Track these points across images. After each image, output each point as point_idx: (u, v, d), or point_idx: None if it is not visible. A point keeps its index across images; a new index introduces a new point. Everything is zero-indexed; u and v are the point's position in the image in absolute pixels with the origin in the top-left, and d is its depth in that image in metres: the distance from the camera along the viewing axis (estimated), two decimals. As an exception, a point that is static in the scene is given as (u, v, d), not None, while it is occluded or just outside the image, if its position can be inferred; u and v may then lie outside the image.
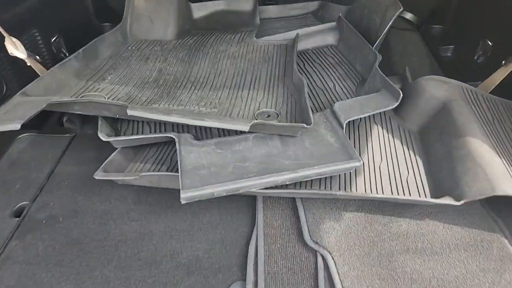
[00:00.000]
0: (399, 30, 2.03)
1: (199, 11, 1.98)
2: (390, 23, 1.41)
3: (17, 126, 0.93)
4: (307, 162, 0.99)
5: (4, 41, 1.23)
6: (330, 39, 1.73)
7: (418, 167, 1.07)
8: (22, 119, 0.95)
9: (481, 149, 0.93)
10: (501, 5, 1.55)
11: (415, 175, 1.04)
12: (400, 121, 1.26)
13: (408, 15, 2.15)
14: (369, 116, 1.23)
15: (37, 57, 1.34)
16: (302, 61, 1.61)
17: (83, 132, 1.34)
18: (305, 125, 1.02)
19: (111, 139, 1.07)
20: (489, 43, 1.59)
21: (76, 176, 1.15)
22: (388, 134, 1.20)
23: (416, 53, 1.88)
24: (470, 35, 1.77)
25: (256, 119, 1.19)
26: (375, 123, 1.25)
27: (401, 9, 1.41)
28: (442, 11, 2.11)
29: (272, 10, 2.11)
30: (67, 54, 1.73)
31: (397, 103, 1.11)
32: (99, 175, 1.02)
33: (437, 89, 1.17)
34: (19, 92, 1.13)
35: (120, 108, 1.05)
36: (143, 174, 1.01)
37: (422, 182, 1.02)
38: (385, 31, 1.44)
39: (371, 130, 1.22)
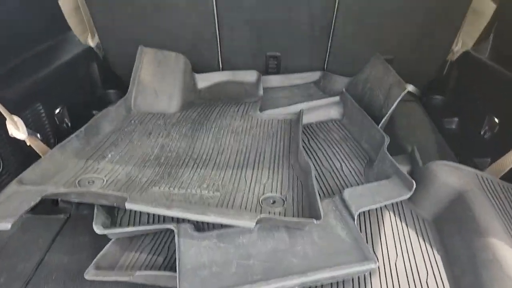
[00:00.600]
0: (401, 100, 2.05)
1: (203, 81, 2.00)
2: (395, 104, 1.41)
3: (7, 226, 0.87)
4: (318, 261, 0.91)
5: (6, 119, 1.22)
6: (334, 113, 1.72)
7: (437, 266, 0.99)
8: (14, 216, 0.89)
9: (507, 254, 0.86)
10: (502, 83, 1.57)
11: (435, 276, 0.96)
12: (413, 207, 1.20)
13: (410, 87, 2.18)
14: (380, 202, 1.17)
15: (38, 135, 1.32)
16: (306, 136, 1.59)
17: (78, 212, 1.27)
18: (314, 221, 0.96)
19: (106, 231, 1.00)
20: (496, 120, 1.57)
21: (66, 268, 1.06)
22: (401, 223, 1.14)
23: (420, 126, 1.87)
24: (474, 109, 1.77)
25: (261, 206, 1.13)
26: (387, 209, 1.18)
27: (406, 90, 1.41)
28: (443, 82, 2.14)
29: (275, 80, 2.14)
30: (69, 125, 1.71)
31: (410, 194, 1.06)
32: (90, 274, 0.94)
33: (450, 176, 1.13)
34: (15, 180, 1.08)
35: (118, 198, 1.00)
36: (138, 273, 0.92)
37: (444, 285, 0.93)
38: (390, 111, 1.43)
39: (383, 218, 1.15)
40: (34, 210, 1.30)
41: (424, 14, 1.85)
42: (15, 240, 1.17)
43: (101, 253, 1.00)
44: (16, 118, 1.23)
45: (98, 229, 0.99)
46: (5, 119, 1.21)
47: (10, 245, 1.15)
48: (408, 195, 1.06)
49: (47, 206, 1.36)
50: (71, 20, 1.89)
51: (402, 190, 1.08)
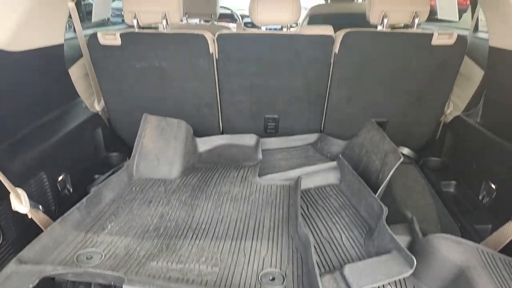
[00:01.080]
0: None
1: (204, 145, 2.06)
2: (391, 173, 1.44)
3: None
4: None
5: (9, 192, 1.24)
6: (332, 178, 1.75)
7: None
8: None
9: None
10: (494, 149, 1.61)
11: None
12: (415, 281, 1.18)
13: (405, 150, 2.24)
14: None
15: (40, 206, 1.33)
16: (305, 202, 1.60)
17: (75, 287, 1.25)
18: None
19: None
20: (493, 186, 1.59)
21: None
22: (404, 300, 1.11)
23: (418, 189, 1.89)
24: (471, 173, 1.80)
25: (261, 283, 1.11)
26: (389, 283, 1.16)
27: (401, 159, 1.45)
28: (438, 144, 2.19)
29: (274, 142, 2.20)
30: (71, 190, 1.73)
31: (411, 271, 1.05)
32: None
33: (451, 251, 1.12)
34: (14, 259, 1.07)
35: (115, 278, 0.99)
36: None
37: None
38: (386, 181, 1.46)
39: None
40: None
41: (415, 80, 1.95)
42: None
43: None
44: (19, 190, 1.25)
45: None
46: (8, 192, 1.24)
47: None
48: (410, 272, 1.05)
49: (44, 280, 1.34)
50: (79, 86, 1.99)
51: (403, 266, 1.07)
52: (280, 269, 1.17)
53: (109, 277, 1.01)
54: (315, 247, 1.24)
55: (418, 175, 2.04)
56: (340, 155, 1.79)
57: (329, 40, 1.86)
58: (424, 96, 2.01)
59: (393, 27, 2.01)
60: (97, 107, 2.08)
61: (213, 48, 1.85)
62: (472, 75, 1.99)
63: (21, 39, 1.46)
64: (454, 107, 2.10)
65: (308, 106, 2.10)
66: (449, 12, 2.28)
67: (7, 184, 1.20)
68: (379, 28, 1.86)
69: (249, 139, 2.09)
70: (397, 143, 2.19)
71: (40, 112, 1.64)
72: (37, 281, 0.95)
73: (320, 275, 1.05)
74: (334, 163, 1.79)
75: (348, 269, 1.08)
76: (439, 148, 2.18)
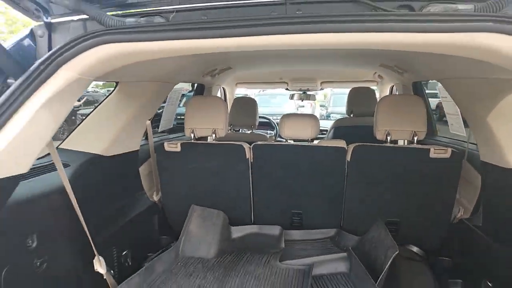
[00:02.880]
0: (407, 259, 2.31)
1: (237, 233, 2.48)
2: (389, 263, 1.74)
3: None
4: None
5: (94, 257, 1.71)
6: (342, 267, 2.05)
7: None
8: None
9: None
10: (491, 254, 1.78)
11: None
12: None
13: (415, 248, 2.46)
14: None
15: (112, 271, 1.79)
16: (317, 285, 1.90)
17: None
18: None
19: None
20: (489, 284, 1.77)
21: None
22: None
23: (424, 286, 2.08)
24: (475, 272, 1.95)
25: None
26: None
27: (396, 252, 1.76)
28: (449, 244, 2.37)
29: (296, 234, 2.55)
30: (130, 263, 2.18)
31: None
32: None
33: None
34: None
35: None
36: None
37: None
38: (385, 270, 1.75)
39: None
40: None
41: (418, 187, 2.28)
42: None
43: None
44: (101, 258, 1.73)
45: None
46: (93, 257, 1.72)
47: None
48: None
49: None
50: (144, 180, 2.58)
51: None
52: None
53: None
54: None
55: (427, 273, 2.23)
56: (350, 248, 2.11)
57: (342, 150, 2.32)
58: (430, 201, 2.26)
59: (396, 142, 2.44)
60: (155, 197, 2.63)
61: (249, 155, 2.39)
62: (473, 180, 2.18)
63: (113, 147, 2.10)
64: (465, 210, 2.27)
65: (328, 205, 2.47)
66: (458, 128, 2.59)
67: (95, 251, 1.69)
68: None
69: (274, 230, 2.48)
70: (410, 242, 2.42)
71: (115, 200, 2.20)
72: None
73: None
74: (344, 254, 2.10)
75: None
76: (450, 249, 2.35)
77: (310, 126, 2.44)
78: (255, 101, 4.08)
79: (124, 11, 1.20)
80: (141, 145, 2.51)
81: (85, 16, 1.15)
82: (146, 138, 2.61)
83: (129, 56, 1.11)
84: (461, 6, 0.78)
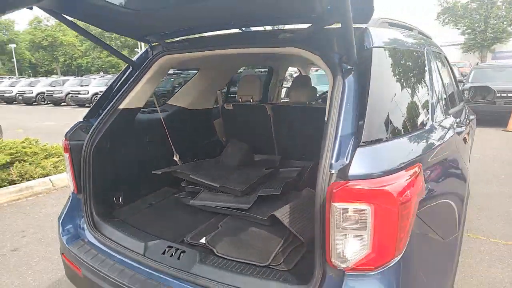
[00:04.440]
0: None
1: (257, 158, 3.04)
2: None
3: None
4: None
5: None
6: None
7: None
8: None
9: None
10: None
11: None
12: None
13: None
14: None
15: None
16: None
17: None
18: None
19: None
20: None
21: None
22: None
23: None
24: None
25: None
26: None
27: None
28: None
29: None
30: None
31: None
32: None
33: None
34: None
35: None
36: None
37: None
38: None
39: None
40: None
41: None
42: None
43: None
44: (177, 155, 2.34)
45: None
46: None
47: None
48: None
49: None
50: (217, 128, 3.24)
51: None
52: None
53: None
54: None
55: None
56: None
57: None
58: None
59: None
60: (224, 138, 3.25)
61: (270, 112, 2.96)
62: None
63: (193, 104, 2.72)
64: None
65: None
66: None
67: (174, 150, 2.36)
68: None
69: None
70: None
71: (193, 136, 2.82)
72: None
73: None
74: None
75: None
76: None
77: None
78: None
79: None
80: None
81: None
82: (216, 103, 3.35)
83: (177, 59, 1.98)
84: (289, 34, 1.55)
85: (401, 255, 1.09)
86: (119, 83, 2.02)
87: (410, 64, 1.67)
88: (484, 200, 4.12)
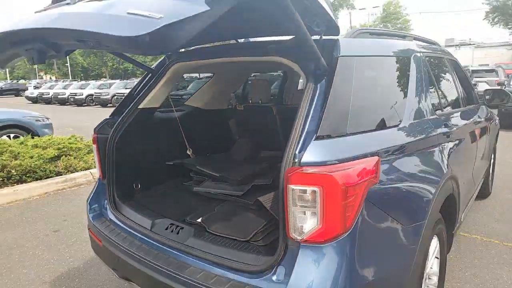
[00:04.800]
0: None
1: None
2: None
3: None
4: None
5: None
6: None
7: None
8: None
9: None
10: None
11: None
12: None
13: None
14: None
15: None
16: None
17: None
18: None
19: None
20: None
21: None
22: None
23: None
24: None
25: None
26: None
27: None
28: None
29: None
30: None
31: None
32: None
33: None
34: None
35: None
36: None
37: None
38: None
39: None
40: None
41: None
42: None
43: None
44: (190, 149, 2.63)
45: None
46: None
47: None
48: None
49: None
50: (232, 127, 3.51)
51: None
52: None
53: None
54: None
55: None
56: None
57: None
58: None
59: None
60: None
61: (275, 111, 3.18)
62: None
63: (208, 104, 3.06)
64: None
65: None
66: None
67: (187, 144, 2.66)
68: None
69: None
70: None
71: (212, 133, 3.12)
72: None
73: None
74: None
75: None
76: None
77: None
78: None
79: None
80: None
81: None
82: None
83: (189, 66, 2.29)
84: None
85: (348, 232, 1.28)
86: (140, 86, 2.36)
87: (383, 69, 1.84)
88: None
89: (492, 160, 4.41)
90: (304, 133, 1.34)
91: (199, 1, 1.06)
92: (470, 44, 33.44)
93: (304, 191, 1.26)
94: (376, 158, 1.39)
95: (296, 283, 1.28)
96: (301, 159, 1.27)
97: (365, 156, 1.37)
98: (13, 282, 2.67)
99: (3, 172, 4.56)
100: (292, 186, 1.28)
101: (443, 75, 2.60)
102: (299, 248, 1.31)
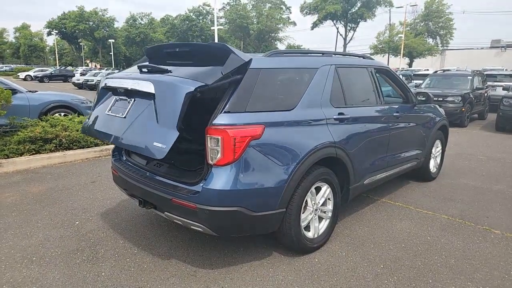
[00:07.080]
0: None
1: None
2: None
3: None
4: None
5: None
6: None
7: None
8: None
9: None
10: None
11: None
12: None
13: None
14: None
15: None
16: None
17: None
18: None
19: None
20: None
21: None
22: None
23: None
24: None
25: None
26: None
27: None
28: None
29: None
30: None
31: None
32: None
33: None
34: None
35: None
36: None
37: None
38: None
39: None
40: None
41: None
42: None
43: None
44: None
45: None
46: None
47: None
48: None
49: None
50: None
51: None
52: None
53: None
54: None
55: None
56: None
57: None
58: None
59: None
60: None
61: None
62: None
63: None
64: None
65: None
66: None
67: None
68: None
69: None
70: None
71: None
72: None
73: None
74: None
75: None
76: None
77: None
78: None
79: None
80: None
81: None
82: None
83: None
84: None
85: (236, 161, 2.42)
86: None
87: (286, 75, 2.90)
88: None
89: (439, 151, 5.25)
90: (219, 110, 2.50)
91: None
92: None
93: (214, 139, 2.43)
94: (262, 126, 2.52)
95: (212, 184, 2.44)
96: (212, 122, 2.44)
97: (253, 124, 2.50)
98: (62, 208, 4.03)
99: (56, 140, 6.04)
100: (208, 136, 2.45)
101: (354, 80, 3.58)
102: (211, 168, 2.49)
